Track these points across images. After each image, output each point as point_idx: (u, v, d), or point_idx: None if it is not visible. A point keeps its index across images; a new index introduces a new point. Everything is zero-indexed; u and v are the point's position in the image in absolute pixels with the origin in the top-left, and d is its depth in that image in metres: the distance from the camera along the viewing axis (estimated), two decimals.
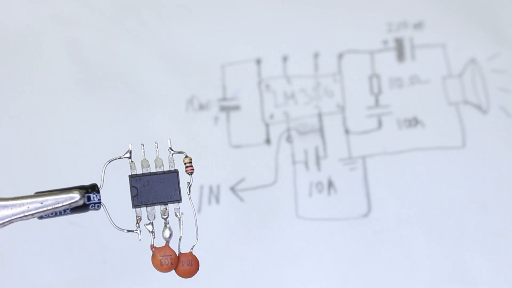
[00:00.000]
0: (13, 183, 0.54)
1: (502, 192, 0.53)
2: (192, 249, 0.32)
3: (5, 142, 0.55)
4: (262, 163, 0.55)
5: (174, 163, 0.32)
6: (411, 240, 0.53)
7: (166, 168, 0.31)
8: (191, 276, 0.32)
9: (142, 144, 0.32)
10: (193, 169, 0.31)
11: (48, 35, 0.58)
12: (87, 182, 0.31)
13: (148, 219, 0.31)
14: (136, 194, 0.31)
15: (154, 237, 0.31)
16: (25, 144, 0.55)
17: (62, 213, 0.30)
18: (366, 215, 0.54)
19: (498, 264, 0.52)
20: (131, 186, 0.31)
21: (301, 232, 0.53)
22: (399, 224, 0.53)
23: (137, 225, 0.31)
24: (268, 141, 0.55)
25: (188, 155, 0.31)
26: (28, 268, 0.52)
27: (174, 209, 0.32)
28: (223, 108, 0.56)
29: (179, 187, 0.31)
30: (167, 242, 0.31)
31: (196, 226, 0.32)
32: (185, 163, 0.31)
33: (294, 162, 0.55)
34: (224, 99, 0.56)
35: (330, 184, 0.54)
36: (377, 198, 0.54)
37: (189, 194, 0.32)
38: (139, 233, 0.31)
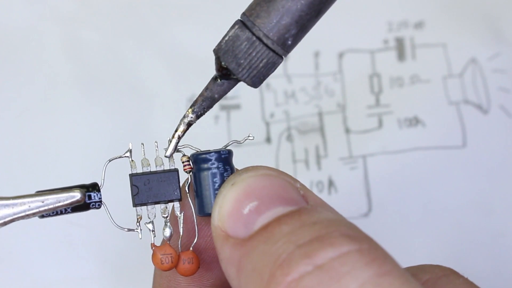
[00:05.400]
0: (13, 182, 0.54)
1: (503, 192, 0.53)
2: (192, 247, 0.32)
3: (5, 141, 0.55)
4: (263, 162, 0.55)
5: (174, 162, 0.32)
6: (411, 240, 0.53)
7: (166, 167, 0.32)
8: (191, 274, 0.32)
9: (142, 143, 0.32)
10: (191, 168, 0.31)
11: (48, 35, 0.58)
12: (87, 181, 0.31)
13: (149, 218, 0.31)
14: (137, 193, 0.31)
15: (155, 236, 0.31)
16: (25, 144, 0.55)
17: (63, 212, 0.30)
18: (366, 214, 0.54)
19: (498, 264, 0.52)
20: (132, 185, 0.31)
21: None
22: (399, 224, 0.53)
23: (138, 223, 0.31)
24: (268, 140, 0.55)
25: (185, 154, 0.32)
26: (29, 267, 0.52)
27: (175, 207, 0.32)
28: (224, 107, 0.56)
29: (179, 186, 0.31)
30: (168, 240, 0.31)
31: (196, 224, 0.32)
32: (182, 162, 0.32)
33: (294, 161, 0.55)
34: (224, 98, 0.56)
35: (331, 183, 0.54)
36: (377, 197, 0.54)
37: (188, 193, 0.32)
38: (140, 232, 0.31)
